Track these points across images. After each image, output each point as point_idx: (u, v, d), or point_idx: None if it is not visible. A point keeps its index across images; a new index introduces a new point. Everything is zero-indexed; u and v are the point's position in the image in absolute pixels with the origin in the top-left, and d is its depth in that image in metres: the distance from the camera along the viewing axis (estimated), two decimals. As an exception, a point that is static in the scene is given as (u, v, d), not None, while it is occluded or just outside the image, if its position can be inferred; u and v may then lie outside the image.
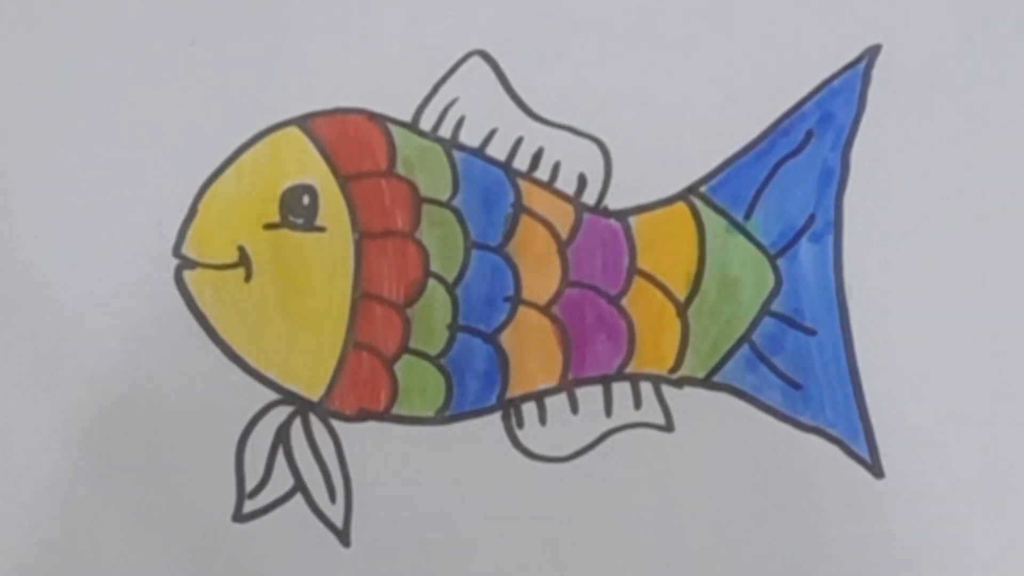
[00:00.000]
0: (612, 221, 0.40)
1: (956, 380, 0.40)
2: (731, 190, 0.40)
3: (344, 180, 0.40)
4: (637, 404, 0.40)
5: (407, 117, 0.41)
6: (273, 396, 0.40)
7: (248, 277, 0.40)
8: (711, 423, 0.40)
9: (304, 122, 0.40)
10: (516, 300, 0.40)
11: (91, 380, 0.40)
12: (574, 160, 0.40)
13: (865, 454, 0.40)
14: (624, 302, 0.40)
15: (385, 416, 0.40)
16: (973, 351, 0.40)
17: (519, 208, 0.40)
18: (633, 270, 0.40)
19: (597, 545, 0.40)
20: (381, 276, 0.40)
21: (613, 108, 0.40)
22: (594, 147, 0.40)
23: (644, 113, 0.40)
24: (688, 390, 0.40)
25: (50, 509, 0.40)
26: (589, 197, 0.40)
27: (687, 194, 0.40)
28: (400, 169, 0.40)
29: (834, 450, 0.40)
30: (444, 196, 0.40)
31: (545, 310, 0.40)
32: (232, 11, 0.41)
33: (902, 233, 0.40)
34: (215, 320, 0.40)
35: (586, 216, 0.40)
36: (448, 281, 0.40)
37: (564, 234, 0.40)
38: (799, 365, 0.40)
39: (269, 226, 0.40)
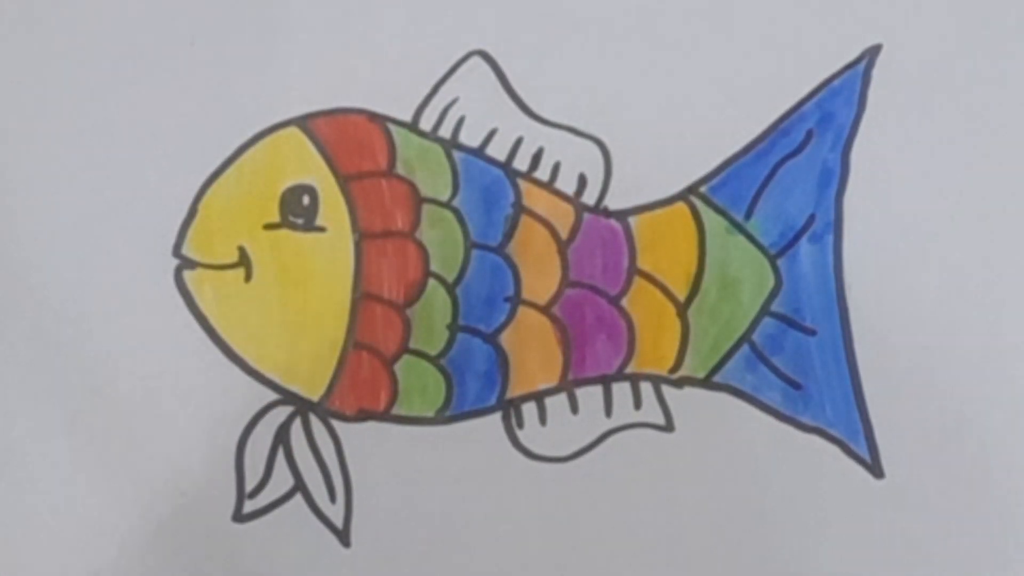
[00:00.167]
0: (612, 221, 0.40)
1: (956, 380, 0.40)
2: (731, 190, 0.40)
3: (344, 180, 0.40)
4: (637, 404, 0.40)
5: (407, 117, 0.41)
6: (273, 396, 0.40)
7: (248, 277, 0.40)
8: (711, 423, 0.40)
9: (304, 122, 0.41)
10: (516, 300, 0.40)
11: (91, 380, 0.40)
12: (574, 160, 0.40)
13: (865, 454, 0.40)
14: (624, 302, 0.40)
15: (385, 416, 0.40)
16: (973, 351, 0.40)
17: (519, 208, 0.40)
18: (633, 270, 0.40)
19: (597, 545, 0.40)
20: (381, 276, 0.40)
21: (613, 108, 0.40)
22: (594, 147, 0.40)
23: (644, 113, 0.40)
24: (688, 390, 0.40)
25: (50, 509, 0.40)
26: (589, 197, 0.40)
27: (687, 194, 0.40)
28: (400, 169, 0.40)
29: (834, 450, 0.40)
30: (444, 196, 0.40)
31: (545, 310, 0.40)
32: (232, 11, 0.41)
33: (902, 233, 0.40)
34: (215, 320, 0.40)
35: (586, 216, 0.40)
36: (448, 281, 0.40)
37: (564, 234, 0.40)
38: (799, 365, 0.40)
39: (269, 226, 0.40)
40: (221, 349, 0.40)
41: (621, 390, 0.40)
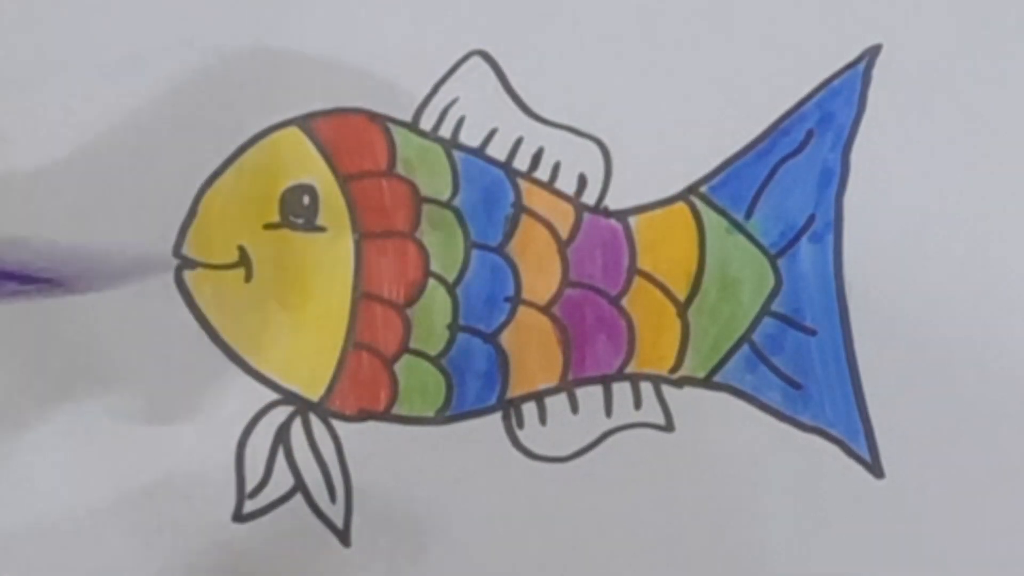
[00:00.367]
0: (612, 221, 0.40)
1: (956, 380, 0.40)
2: (731, 190, 0.40)
3: (344, 180, 0.40)
4: (637, 404, 0.40)
5: (407, 117, 0.41)
6: (273, 396, 0.40)
7: (248, 277, 0.40)
8: (711, 423, 0.40)
9: (304, 122, 0.40)
10: (516, 300, 0.40)
11: (91, 380, 0.40)
12: (574, 160, 0.40)
13: (865, 454, 0.40)
14: (624, 302, 0.40)
15: (385, 416, 0.40)
16: (973, 351, 0.40)
17: (519, 208, 0.40)
18: (633, 270, 0.40)
19: (597, 545, 0.40)
20: (381, 276, 0.40)
21: (613, 108, 0.40)
22: (594, 147, 0.40)
23: (644, 113, 0.40)
24: (688, 390, 0.40)
25: (50, 509, 0.40)
26: (589, 197, 0.40)
27: (687, 194, 0.40)
28: (400, 169, 0.40)
29: (834, 450, 0.40)
30: (444, 196, 0.40)
31: (545, 310, 0.40)
32: (232, 11, 0.41)
33: (902, 233, 0.40)
34: (215, 320, 0.40)
35: (586, 216, 0.40)
36: (448, 281, 0.40)
37: (564, 234, 0.40)
38: (799, 365, 0.40)
39: (269, 226, 0.40)
40: (221, 349, 0.40)
41: (621, 390, 0.40)
